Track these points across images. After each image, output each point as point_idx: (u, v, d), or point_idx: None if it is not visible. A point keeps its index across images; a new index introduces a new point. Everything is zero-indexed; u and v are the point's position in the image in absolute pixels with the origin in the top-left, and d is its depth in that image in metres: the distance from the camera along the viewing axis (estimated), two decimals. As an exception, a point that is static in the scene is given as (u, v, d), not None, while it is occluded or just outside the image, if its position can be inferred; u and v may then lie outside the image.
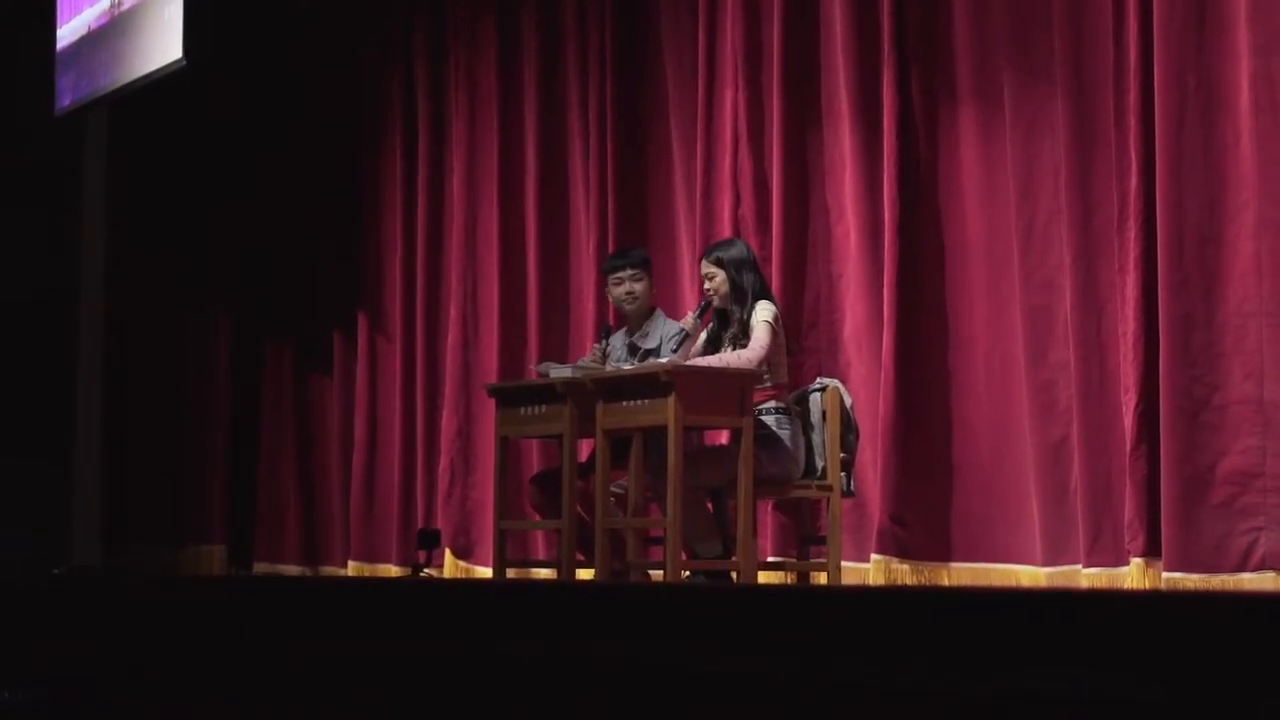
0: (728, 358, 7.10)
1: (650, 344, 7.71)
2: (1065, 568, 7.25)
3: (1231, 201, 6.77)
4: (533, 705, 4.66)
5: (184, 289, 12.51)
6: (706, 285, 7.37)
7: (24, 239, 12.81)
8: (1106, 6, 7.20)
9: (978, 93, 7.85)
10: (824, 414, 7.26)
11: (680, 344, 7.35)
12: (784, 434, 7.17)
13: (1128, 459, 6.93)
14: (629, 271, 7.84)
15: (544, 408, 7.52)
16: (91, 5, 11.98)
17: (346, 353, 11.29)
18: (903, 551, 7.75)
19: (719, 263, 7.32)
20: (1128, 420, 6.95)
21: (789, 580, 7.73)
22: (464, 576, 9.86)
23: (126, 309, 12.97)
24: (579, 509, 7.47)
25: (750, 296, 7.24)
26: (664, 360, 7.16)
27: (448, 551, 9.94)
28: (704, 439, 7.79)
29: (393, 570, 10.46)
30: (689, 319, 7.45)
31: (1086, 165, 7.27)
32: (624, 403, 7.07)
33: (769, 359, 7.13)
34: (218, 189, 12.29)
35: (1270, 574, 6.55)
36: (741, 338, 7.20)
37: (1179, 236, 6.81)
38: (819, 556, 7.51)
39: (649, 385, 6.91)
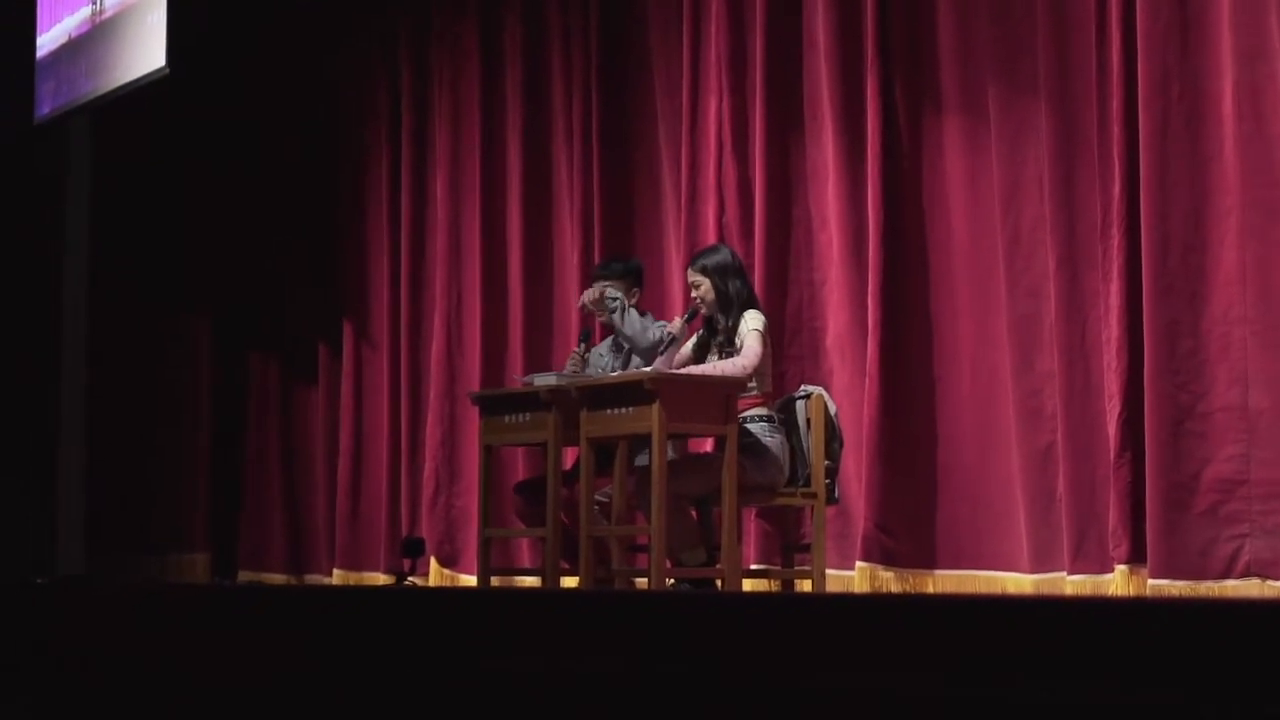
0: (723, 366, 7.08)
1: None
2: (1051, 575, 7.25)
3: (1215, 209, 6.77)
4: (516, 715, 4.65)
5: (168, 297, 12.50)
6: (693, 293, 7.33)
7: (5, 248, 12.79)
8: (1090, 14, 7.20)
9: (961, 100, 7.85)
10: (808, 421, 7.25)
11: (666, 347, 7.31)
12: (769, 442, 7.15)
13: (1111, 467, 6.93)
14: (600, 283, 7.80)
15: (528, 416, 7.50)
16: (72, 13, 11.97)
17: (331, 361, 11.29)
18: (887, 559, 7.75)
19: (704, 270, 7.28)
20: (1111, 428, 6.95)
21: (773, 588, 7.72)
22: (449, 585, 9.86)
23: (110, 317, 12.97)
24: (563, 517, 7.45)
25: (736, 304, 7.20)
26: (648, 369, 7.13)
27: (433, 560, 9.94)
28: (688, 447, 7.78)
29: (378, 579, 10.46)
30: (676, 323, 7.41)
31: (1070, 173, 7.27)
32: (608, 410, 7.05)
33: (760, 368, 7.12)
34: (201, 198, 12.28)
35: (1255, 580, 6.55)
36: (728, 346, 7.17)
37: (1163, 244, 6.81)
38: (803, 564, 7.50)
39: (633, 393, 6.89)
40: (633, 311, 7.57)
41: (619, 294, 7.55)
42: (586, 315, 8.11)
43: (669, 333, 7.35)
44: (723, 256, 7.35)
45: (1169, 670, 3.26)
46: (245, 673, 5.75)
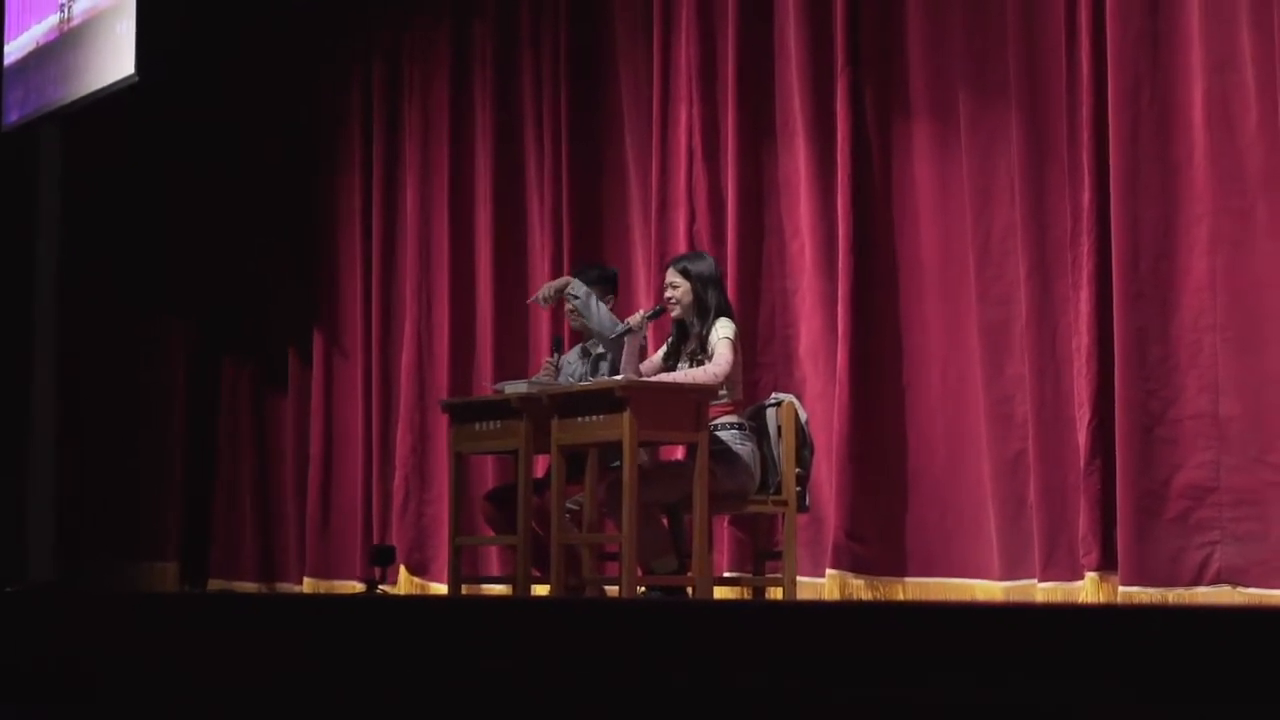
0: (694, 373, 7.07)
1: (600, 348, 7.67)
2: (1021, 582, 7.25)
3: (1185, 216, 6.79)
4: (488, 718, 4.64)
5: (139, 305, 12.46)
6: (668, 293, 7.30)
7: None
8: (1060, 23, 7.22)
9: (932, 109, 7.86)
10: (779, 429, 7.24)
11: (621, 336, 7.24)
12: (740, 449, 7.14)
13: (1082, 473, 6.94)
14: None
15: (499, 423, 7.48)
16: (40, 21, 11.93)
17: (302, 369, 11.27)
18: (858, 566, 7.75)
19: (685, 273, 7.26)
20: (1081, 435, 6.95)
21: (745, 595, 7.71)
22: (418, 593, 9.83)
23: (81, 325, 12.93)
24: (534, 525, 7.44)
25: (712, 313, 7.19)
26: (619, 377, 7.12)
27: (402, 568, 9.91)
28: (659, 454, 7.77)
29: (349, 587, 10.43)
30: (637, 316, 7.33)
31: (1040, 181, 7.28)
32: (579, 418, 7.03)
33: (731, 376, 7.10)
34: (173, 206, 12.25)
35: (1225, 587, 6.57)
36: (700, 353, 7.16)
37: (1133, 251, 6.83)
38: (774, 572, 7.50)
39: (604, 401, 6.88)
40: (599, 303, 7.50)
41: (582, 289, 7.49)
42: (563, 320, 8.07)
43: (627, 323, 7.29)
44: (707, 265, 7.33)
45: (1138, 676, 3.26)
46: (217, 683, 5.73)
